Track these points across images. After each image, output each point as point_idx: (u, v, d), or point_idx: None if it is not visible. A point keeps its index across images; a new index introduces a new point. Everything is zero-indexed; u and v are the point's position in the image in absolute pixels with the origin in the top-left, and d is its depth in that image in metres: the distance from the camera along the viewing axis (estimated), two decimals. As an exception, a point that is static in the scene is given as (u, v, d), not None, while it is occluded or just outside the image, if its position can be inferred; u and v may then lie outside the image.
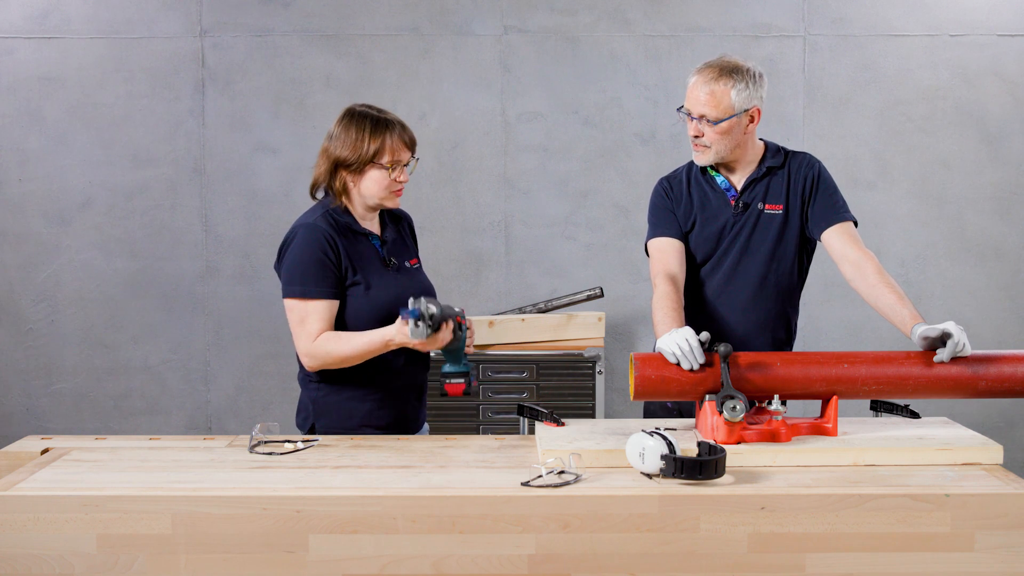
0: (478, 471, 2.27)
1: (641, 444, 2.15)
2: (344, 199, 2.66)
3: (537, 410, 2.58)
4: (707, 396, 2.37)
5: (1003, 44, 4.52)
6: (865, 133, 4.56)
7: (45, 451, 2.47)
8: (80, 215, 4.59)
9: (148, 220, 4.60)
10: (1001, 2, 4.51)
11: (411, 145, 2.67)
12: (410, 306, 2.41)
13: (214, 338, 4.64)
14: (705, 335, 2.39)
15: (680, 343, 2.37)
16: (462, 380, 2.52)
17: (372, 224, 2.72)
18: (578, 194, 4.60)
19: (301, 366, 2.67)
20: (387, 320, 2.62)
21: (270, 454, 2.41)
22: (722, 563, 2.06)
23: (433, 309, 2.41)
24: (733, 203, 2.80)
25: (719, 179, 2.82)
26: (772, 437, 2.35)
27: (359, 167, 2.62)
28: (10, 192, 4.58)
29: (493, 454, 2.41)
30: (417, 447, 2.48)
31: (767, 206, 2.79)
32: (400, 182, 2.64)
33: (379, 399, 2.67)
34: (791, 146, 3.10)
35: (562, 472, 2.18)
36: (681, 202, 2.83)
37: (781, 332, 2.86)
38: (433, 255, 4.47)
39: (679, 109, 2.76)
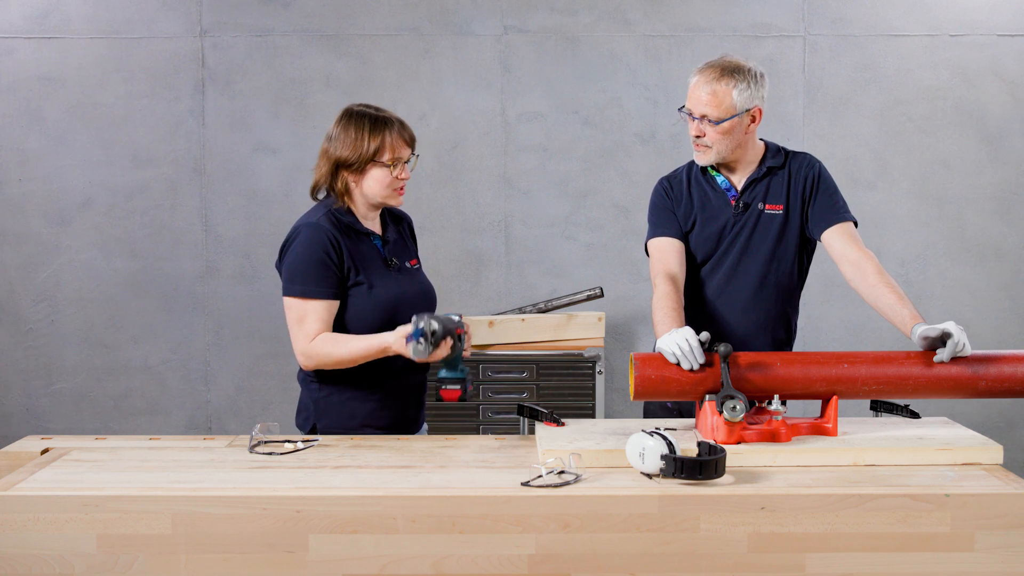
0: (478, 471, 2.27)
1: (641, 444, 2.15)
2: (346, 199, 2.66)
3: (537, 410, 2.58)
4: (707, 396, 2.37)
5: (1003, 44, 4.52)
6: (865, 133, 4.56)
7: (45, 451, 2.47)
8: (80, 215, 4.59)
9: (148, 220, 4.60)
10: (1001, 2, 4.51)
11: (411, 142, 2.67)
12: (412, 325, 2.40)
13: (214, 338, 4.64)
14: (705, 335, 2.39)
15: (680, 343, 2.37)
16: (458, 386, 2.52)
17: (374, 224, 2.73)
18: (578, 194, 4.60)
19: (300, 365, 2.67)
20: (388, 320, 2.62)
21: (270, 454, 2.41)
22: (722, 563, 2.06)
23: (435, 326, 2.40)
24: (733, 203, 2.80)
25: (719, 179, 2.82)
26: (772, 437, 2.35)
27: (360, 166, 2.62)
28: (10, 192, 4.58)
29: (493, 454, 2.41)
30: (417, 447, 2.48)
31: (767, 206, 2.79)
32: (402, 179, 2.65)
33: (380, 400, 2.67)
34: (791, 146, 3.10)
35: (562, 472, 2.18)
36: (681, 202, 2.83)
37: (781, 332, 2.86)
38: (433, 255, 4.47)
39: (680, 109, 2.76)
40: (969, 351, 2.41)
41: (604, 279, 4.58)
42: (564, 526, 2.06)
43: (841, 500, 2.06)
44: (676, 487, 2.10)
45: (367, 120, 2.62)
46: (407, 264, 2.75)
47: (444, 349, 2.44)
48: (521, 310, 4.30)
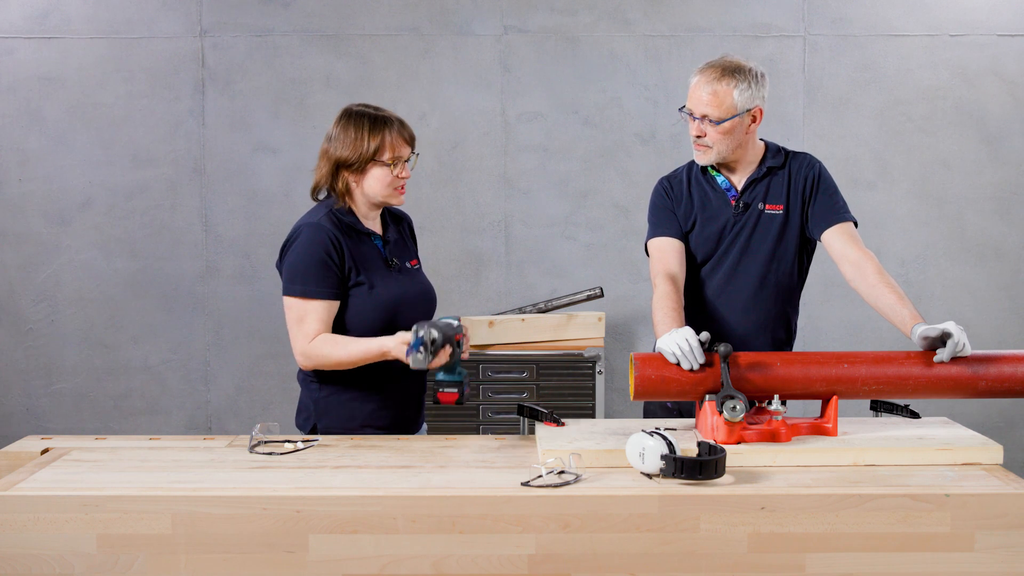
0: (478, 471, 2.27)
1: (641, 444, 2.15)
2: (347, 199, 2.66)
3: (537, 410, 2.58)
4: (707, 396, 2.37)
5: (1003, 44, 4.52)
6: (865, 133, 4.56)
7: (45, 451, 2.47)
8: (80, 215, 4.59)
9: (148, 220, 4.61)
10: (1001, 2, 4.51)
11: (410, 141, 2.67)
12: (412, 335, 2.39)
13: (214, 338, 4.64)
14: (705, 335, 2.39)
15: (680, 343, 2.37)
16: (455, 390, 2.50)
17: (375, 224, 2.73)
18: (578, 194, 4.60)
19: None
20: (389, 320, 2.62)
21: (270, 454, 2.41)
22: (722, 563, 2.06)
23: (435, 334, 2.38)
24: (733, 203, 2.80)
25: (719, 179, 2.82)
26: (772, 437, 2.35)
27: (361, 166, 2.62)
28: (10, 192, 4.58)
29: (493, 454, 2.41)
30: (417, 447, 2.48)
31: (767, 206, 2.79)
32: (402, 178, 2.65)
33: (381, 400, 2.67)
34: (791, 146, 3.10)
35: (562, 472, 2.18)
36: (681, 202, 2.83)
37: (781, 332, 2.86)
38: (433, 255, 4.47)
39: (681, 109, 2.75)
40: (969, 351, 2.41)
41: (604, 279, 4.58)
42: (564, 526, 2.06)
43: (841, 500, 2.06)
44: (676, 487, 2.10)
45: (366, 120, 2.62)
46: (407, 264, 2.75)
47: (443, 357, 2.43)
48: (521, 310, 4.30)
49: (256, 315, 4.62)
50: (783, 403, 2.38)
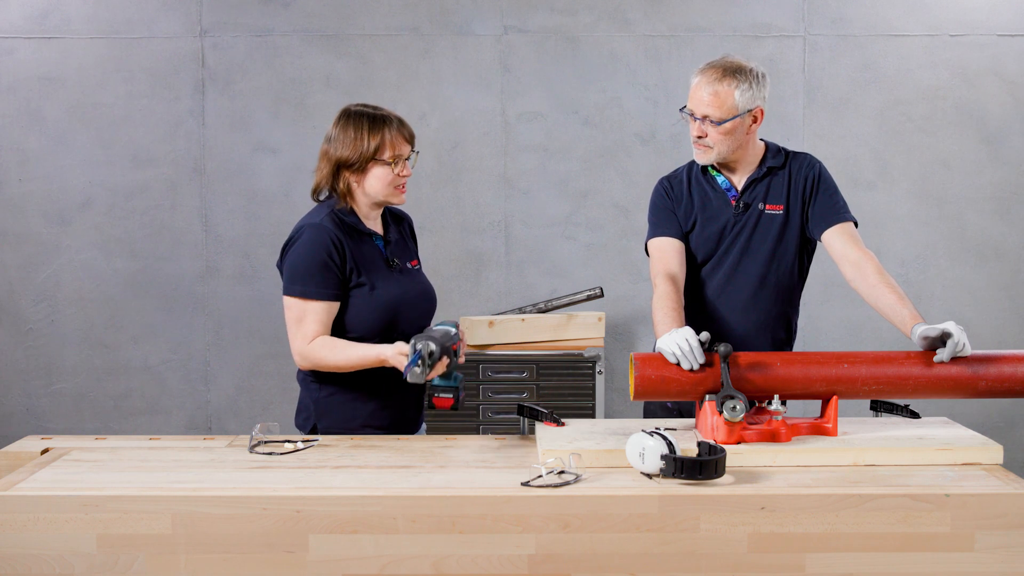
0: (478, 471, 2.27)
1: (641, 444, 2.15)
2: (349, 200, 2.66)
3: (537, 410, 2.58)
4: (707, 396, 2.37)
5: (1003, 44, 4.52)
6: (865, 133, 4.56)
7: (45, 451, 2.47)
8: (80, 215, 4.59)
9: (148, 220, 4.61)
10: (1001, 2, 4.51)
11: (410, 139, 2.67)
12: (410, 349, 2.37)
13: (214, 338, 4.64)
14: (705, 335, 2.39)
15: (680, 343, 2.37)
16: (450, 395, 2.50)
17: (376, 224, 2.73)
18: (578, 194, 4.60)
19: (300, 366, 2.68)
20: (389, 321, 2.63)
21: (270, 454, 2.42)
22: (722, 563, 2.06)
23: (432, 347, 2.36)
24: (734, 203, 2.80)
25: (720, 179, 2.82)
26: (772, 437, 2.35)
27: (361, 165, 2.62)
28: (10, 192, 4.58)
29: (493, 454, 2.41)
30: (417, 447, 2.48)
31: (768, 206, 2.79)
32: (403, 176, 2.65)
33: (381, 400, 2.67)
34: (791, 146, 3.10)
35: (562, 472, 2.18)
36: (682, 202, 2.83)
37: (781, 332, 2.86)
38: (433, 255, 4.47)
39: (682, 110, 2.75)
40: (969, 351, 2.41)
41: (604, 279, 4.58)
42: (564, 526, 2.06)
43: (841, 500, 2.06)
44: (676, 487, 2.10)
45: (366, 119, 2.62)
46: (408, 265, 2.75)
47: (440, 368, 2.42)
48: (521, 310, 4.30)
49: (256, 315, 4.62)
50: (783, 403, 2.38)
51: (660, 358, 2.41)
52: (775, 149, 2.84)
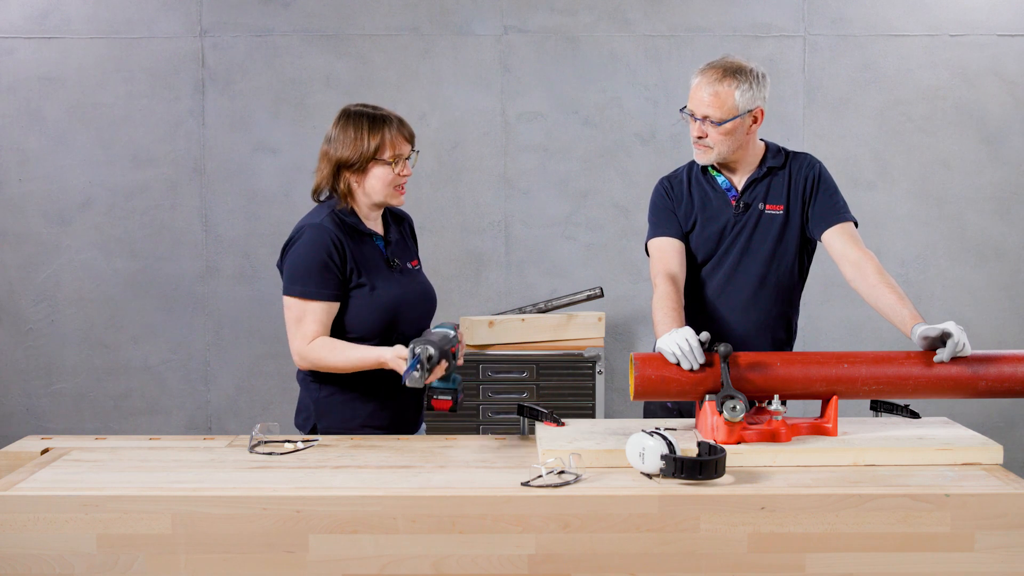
0: (478, 471, 2.27)
1: (641, 444, 2.15)
2: (349, 200, 2.66)
3: (537, 410, 2.58)
4: (707, 396, 2.37)
5: (1003, 44, 4.52)
6: (865, 133, 4.56)
7: (45, 451, 2.47)
8: (80, 215, 4.59)
9: (148, 220, 4.61)
10: (1001, 2, 4.51)
11: (410, 138, 2.67)
12: (409, 354, 2.37)
13: (214, 338, 4.64)
14: (705, 335, 2.39)
15: (680, 343, 2.37)
16: (449, 397, 2.50)
17: (376, 224, 2.73)
18: (578, 194, 4.60)
19: (300, 366, 2.68)
20: (389, 322, 2.63)
21: (270, 454, 2.42)
22: (722, 563, 2.06)
23: (431, 351, 2.36)
24: (734, 203, 2.80)
25: (720, 179, 2.82)
26: (772, 437, 2.35)
27: (362, 165, 2.62)
28: (10, 192, 4.58)
29: (493, 454, 2.41)
30: (417, 447, 2.48)
31: (768, 206, 2.79)
32: (404, 176, 2.65)
33: (380, 400, 2.67)
34: (791, 146, 3.10)
35: (562, 472, 2.18)
36: (682, 202, 2.83)
37: (781, 332, 2.86)
38: (433, 255, 4.47)
39: (682, 110, 2.75)
40: (969, 351, 2.41)
41: (604, 279, 4.58)
42: (564, 526, 2.06)
43: (841, 500, 2.06)
44: (676, 487, 2.10)
45: (365, 119, 2.62)
46: (408, 265, 2.75)
47: (439, 371, 2.42)
48: (521, 310, 4.30)
49: (256, 315, 4.62)
50: (783, 403, 2.38)
51: (660, 358, 2.41)
52: (775, 149, 2.84)
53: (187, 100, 4.57)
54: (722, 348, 2.35)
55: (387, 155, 2.61)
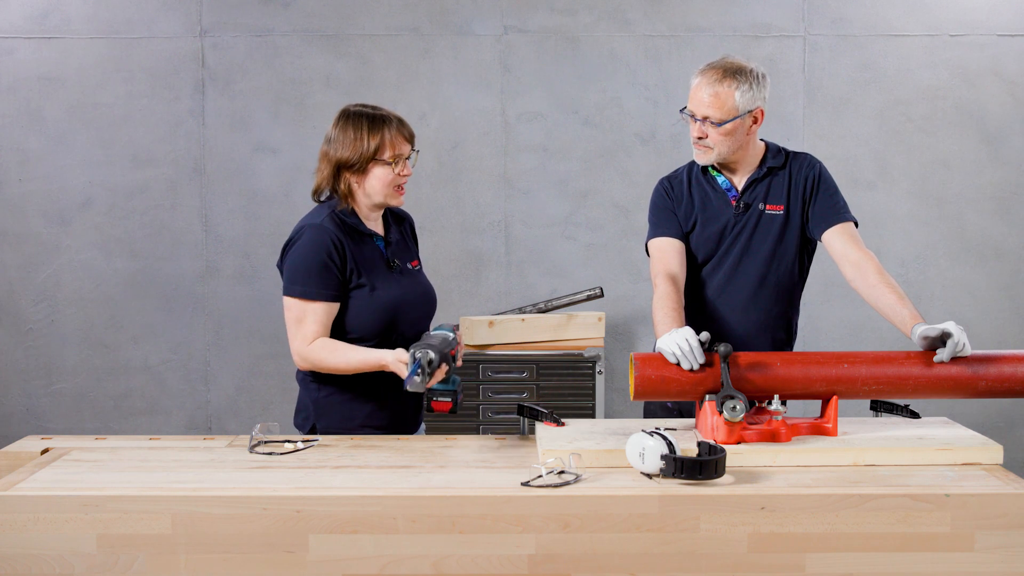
0: (478, 471, 2.27)
1: (641, 444, 2.15)
2: (349, 200, 2.66)
3: (537, 410, 2.58)
4: (707, 396, 2.37)
5: (1003, 44, 4.52)
6: (865, 133, 4.56)
7: (45, 451, 2.47)
8: (80, 215, 4.59)
9: (148, 220, 4.61)
10: (1001, 2, 4.51)
11: (410, 138, 2.67)
12: (410, 358, 2.36)
13: (214, 338, 4.64)
14: (705, 335, 2.39)
15: (680, 343, 2.37)
16: (449, 399, 2.50)
17: (376, 224, 2.72)
18: (578, 194, 4.60)
19: (299, 366, 2.68)
20: (389, 322, 2.63)
21: (270, 454, 2.42)
22: (722, 563, 2.06)
23: (432, 355, 2.36)
24: (734, 203, 2.80)
25: (720, 179, 2.82)
26: (772, 437, 2.35)
27: (362, 166, 2.62)
28: (10, 192, 4.58)
29: (493, 454, 2.41)
30: (417, 447, 2.48)
31: (768, 206, 2.79)
32: (404, 176, 2.65)
33: (379, 400, 2.67)
34: (791, 146, 3.10)
35: (562, 472, 2.18)
36: (682, 202, 2.83)
37: (781, 332, 2.86)
38: (433, 255, 4.47)
39: (682, 110, 2.75)
40: (969, 351, 2.41)
41: (604, 279, 4.58)
42: (564, 526, 2.06)
43: (841, 500, 2.06)
44: (676, 487, 2.10)
45: (365, 119, 2.62)
46: (408, 265, 2.75)
47: (440, 375, 2.42)
48: (521, 310, 4.30)
49: (256, 315, 4.62)
50: (783, 403, 2.38)
51: (660, 358, 2.41)
52: (775, 149, 2.84)
53: (187, 100, 4.57)
54: (722, 348, 2.35)
55: (387, 155, 2.61)
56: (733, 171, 2.82)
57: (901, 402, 2.62)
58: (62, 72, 4.55)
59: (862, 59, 4.53)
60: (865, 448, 2.31)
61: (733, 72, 2.68)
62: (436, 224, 4.59)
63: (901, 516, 2.06)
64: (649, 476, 2.16)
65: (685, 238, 2.81)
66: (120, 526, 2.06)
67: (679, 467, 2.09)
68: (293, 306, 2.60)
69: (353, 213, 2.66)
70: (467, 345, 4.08)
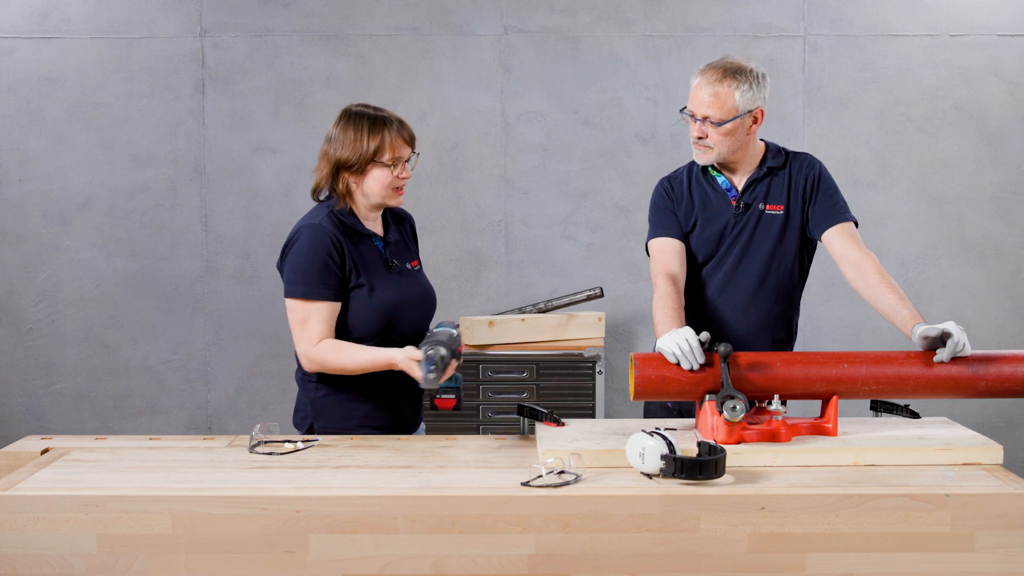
0: (478, 471, 2.27)
1: (641, 444, 2.15)
2: (348, 201, 2.66)
3: (537, 410, 2.58)
4: (707, 396, 2.37)
5: (1003, 44, 4.52)
6: (865, 133, 4.56)
7: (45, 451, 2.47)
8: (80, 215, 4.59)
9: (148, 220, 4.61)
10: (1001, 2, 4.51)
11: (410, 141, 2.66)
12: (423, 357, 2.38)
13: (214, 338, 4.64)
14: (705, 335, 2.39)
15: (680, 343, 2.37)
16: (452, 395, 2.51)
17: (375, 225, 2.72)
18: (578, 194, 4.60)
19: (299, 365, 2.67)
20: (389, 323, 2.63)
21: (270, 454, 2.41)
22: (722, 563, 2.06)
23: (443, 352, 2.37)
24: (734, 203, 2.80)
25: (720, 179, 2.82)
26: (772, 437, 2.35)
27: (361, 167, 2.61)
28: (10, 192, 4.58)
29: (493, 454, 2.41)
30: (417, 447, 2.48)
31: (768, 206, 2.79)
32: (403, 179, 2.64)
33: (378, 400, 2.67)
34: (791, 146, 3.10)
35: (562, 472, 2.18)
36: (682, 202, 2.83)
37: (781, 332, 2.86)
38: (433, 255, 4.47)
39: (682, 110, 2.75)
40: (969, 351, 2.41)
41: (604, 279, 4.58)
42: (564, 526, 2.06)
43: (841, 500, 2.06)
44: (676, 487, 2.10)
45: (366, 120, 2.62)
46: (408, 266, 2.74)
47: (451, 370, 2.43)
48: (521, 310, 4.30)
49: (256, 315, 4.62)
50: (783, 403, 2.38)
51: (660, 358, 2.41)
52: (775, 149, 2.84)
53: (187, 100, 4.57)
54: (722, 348, 2.35)
55: (386, 157, 2.61)
56: (733, 171, 2.82)
57: (901, 402, 2.62)
58: (62, 72, 4.55)
59: (862, 59, 4.53)
60: (865, 448, 2.31)
61: (733, 72, 2.68)
62: (436, 224, 4.59)
63: (901, 516, 2.06)
64: (649, 476, 2.16)
65: (685, 238, 2.81)
66: (120, 526, 2.07)
67: (679, 467, 2.09)
68: (296, 308, 2.60)
69: (351, 213, 2.66)
70: (467, 345, 4.08)
